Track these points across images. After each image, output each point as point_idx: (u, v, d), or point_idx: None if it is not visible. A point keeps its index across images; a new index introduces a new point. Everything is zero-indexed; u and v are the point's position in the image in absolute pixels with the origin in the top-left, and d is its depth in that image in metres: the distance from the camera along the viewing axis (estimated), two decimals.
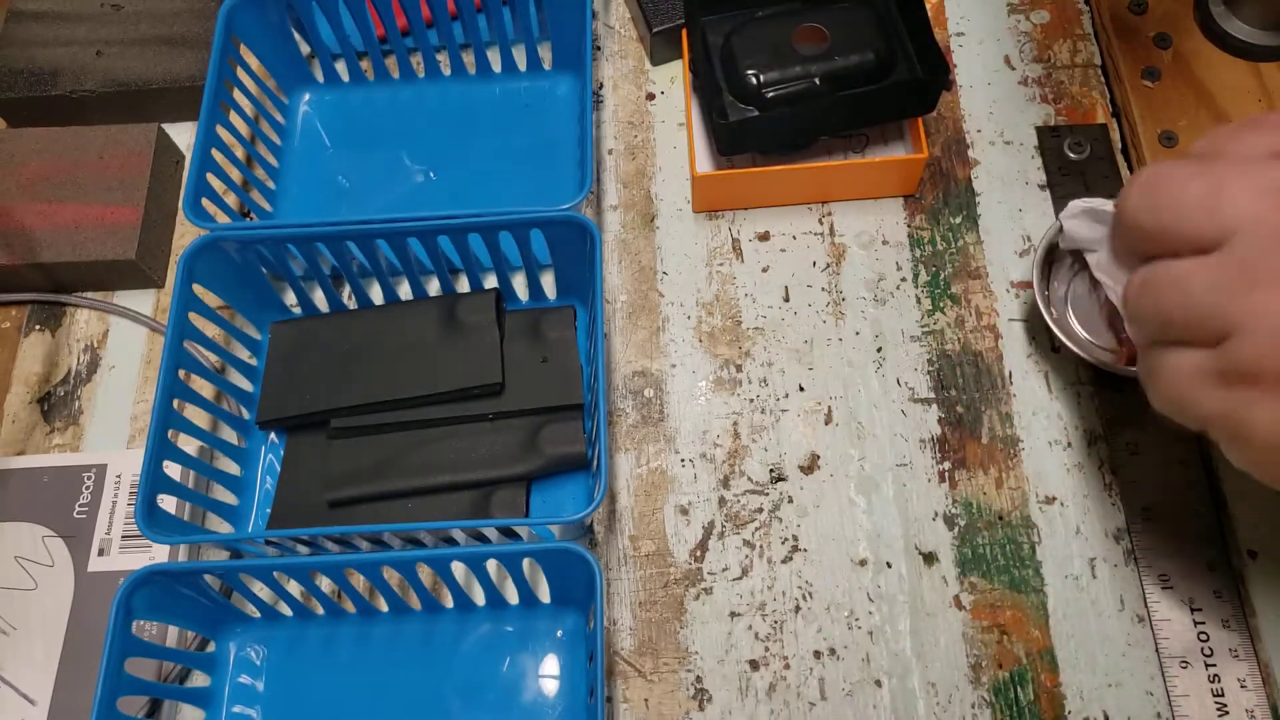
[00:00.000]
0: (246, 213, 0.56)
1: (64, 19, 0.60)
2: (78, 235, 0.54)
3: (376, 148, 0.59)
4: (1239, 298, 0.29)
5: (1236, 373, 0.29)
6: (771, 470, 0.50)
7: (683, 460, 0.50)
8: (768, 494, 0.49)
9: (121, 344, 0.55)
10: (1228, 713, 0.43)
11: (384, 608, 0.47)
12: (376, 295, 0.54)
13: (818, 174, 0.54)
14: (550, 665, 0.46)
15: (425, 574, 0.48)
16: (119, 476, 0.50)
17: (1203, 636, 0.45)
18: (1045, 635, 0.46)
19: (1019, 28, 0.60)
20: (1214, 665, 0.44)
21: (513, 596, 0.47)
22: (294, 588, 0.47)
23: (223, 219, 0.52)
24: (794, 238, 0.55)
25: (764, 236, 0.55)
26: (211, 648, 0.47)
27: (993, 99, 0.58)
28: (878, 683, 0.45)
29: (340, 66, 0.60)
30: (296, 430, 0.51)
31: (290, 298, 0.54)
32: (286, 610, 0.47)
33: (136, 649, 0.42)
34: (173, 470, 0.46)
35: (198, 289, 0.48)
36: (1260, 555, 0.47)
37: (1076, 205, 0.44)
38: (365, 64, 0.61)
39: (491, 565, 0.44)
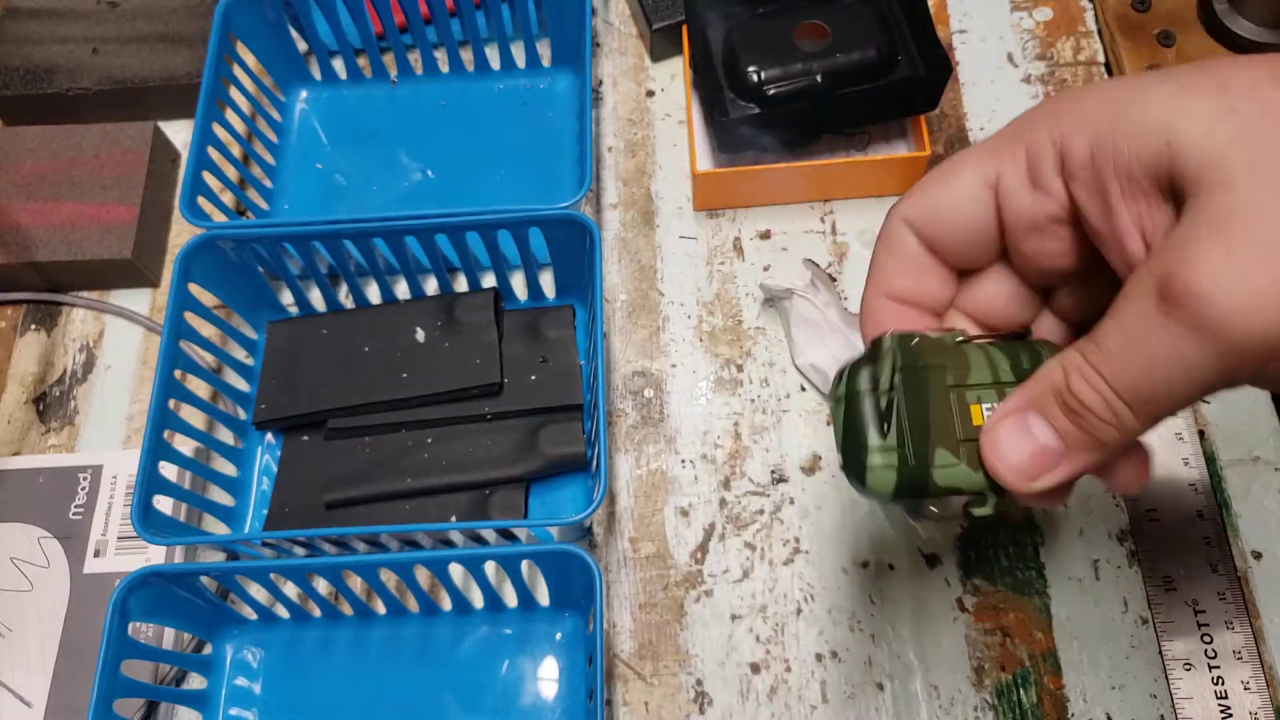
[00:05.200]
0: (243, 211, 0.56)
1: (60, 16, 0.60)
2: (73, 234, 0.53)
3: (374, 146, 0.58)
4: None
5: None
6: (773, 471, 0.49)
7: (683, 461, 0.50)
8: (769, 495, 0.49)
9: (117, 344, 0.55)
10: (1231, 715, 0.43)
11: (381, 610, 0.47)
12: (374, 294, 0.53)
13: (819, 172, 0.53)
14: (549, 668, 0.46)
15: (423, 576, 0.47)
16: (115, 477, 0.50)
17: (1206, 638, 0.45)
18: (1048, 637, 0.46)
19: (1022, 25, 0.60)
20: (1218, 667, 0.44)
21: (511, 599, 0.46)
22: (291, 590, 0.47)
23: (219, 218, 0.52)
24: (796, 236, 0.55)
25: (765, 235, 0.55)
26: (208, 650, 0.47)
27: (995, 96, 0.58)
28: (880, 686, 0.45)
29: (338, 64, 0.60)
30: (293, 431, 0.51)
31: (287, 297, 0.54)
32: (283, 612, 0.47)
33: (132, 651, 0.42)
34: (169, 471, 0.46)
35: (194, 288, 0.48)
36: (1264, 557, 0.46)
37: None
38: (363, 61, 0.61)
39: (490, 567, 0.44)
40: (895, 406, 0.28)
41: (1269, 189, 0.22)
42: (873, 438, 0.28)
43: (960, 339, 0.30)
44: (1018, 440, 0.26)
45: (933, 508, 0.30)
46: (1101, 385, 0.24)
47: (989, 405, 0.28)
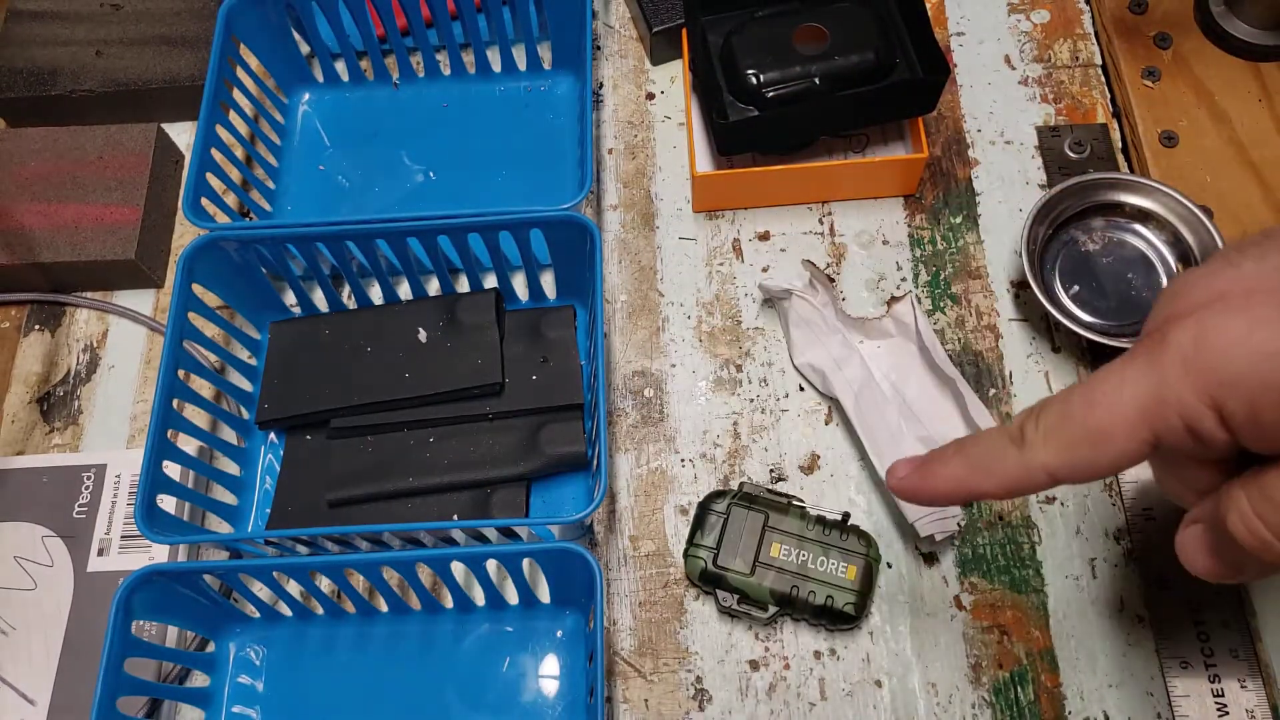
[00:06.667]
0: (246, 212, 0.56)
1: (64, 19, 0.60)
2: (77, 235, 0.54)
3: (376, 147, 0.59)
4: None
5: None
6: (772, 470, 0.50)
7: (683, 460, 0.50)
8: None
9: (121, 344, 0.55)
10: (1228, 713, 0.43)
11: (384, 608, 0.47)
12: (376, 295, 0.54)
13: (818, 174, 0.54)
14: (550, 665, 0.46)
15: (425, 574, 0.48)
16: (118, 476, 0.50)
17: (1203, 636, 0.45)
18: (1045, 635, 0.46)
19: (1019, 27, 0.60)
20: (1214, 665, 0.44)
21: (512, 596, 0.47)
22: (293, 588, 0.47)
23: (222, 219, 0.52)
24: (794, 237, 0.55)
25: (764, 236, 0.55)
26: (211, 648, 0.47)
27: (993, 99, 0.58)
28: (878, 683, 0.45)
29: (340, 66, 0.60)
30: (296, 430, 0.51)
31: (290, 297, 0.54)
32: (286, 610, 0.47)
33: (136, 649, 0.42)
34: (172, 470, 0.46)
35: (197, 289, 0.48)
36: None
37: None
38: (365, 64, 0.61)
39: (491, 565, 0.44)
40: (715, 527, 0.45)
41: None
42: (698, 537, 0.46)
43: (795, 502, 0.46)
44: (1195, 551, 0.33)
45: (731, 605, 0.45)
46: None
47: (785, 547, 0.45)
